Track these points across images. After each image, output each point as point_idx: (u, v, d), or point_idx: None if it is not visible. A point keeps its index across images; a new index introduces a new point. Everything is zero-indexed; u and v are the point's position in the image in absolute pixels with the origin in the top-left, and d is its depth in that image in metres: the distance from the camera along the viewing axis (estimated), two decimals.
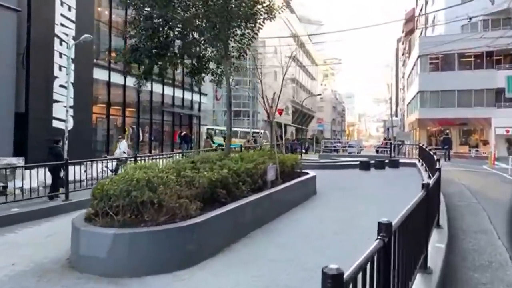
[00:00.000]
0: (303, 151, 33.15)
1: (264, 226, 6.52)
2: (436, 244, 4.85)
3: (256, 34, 7.99)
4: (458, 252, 5.70)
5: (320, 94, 64.49)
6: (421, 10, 55.16)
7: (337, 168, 17.03)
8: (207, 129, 39.33)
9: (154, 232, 4.43)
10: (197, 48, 8.20)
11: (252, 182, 6.94)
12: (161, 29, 7.30)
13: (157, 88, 20.00)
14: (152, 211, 4.75)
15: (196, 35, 8.04)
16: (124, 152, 11.98)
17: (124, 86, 17.65)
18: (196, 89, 24.00)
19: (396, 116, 73.65)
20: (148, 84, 19.21)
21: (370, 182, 12.83)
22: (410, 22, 64.09)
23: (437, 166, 6.01)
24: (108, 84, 16.67)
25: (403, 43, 72.00)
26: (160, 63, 7.94)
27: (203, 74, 8.55)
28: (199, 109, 24.63)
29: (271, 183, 7.64)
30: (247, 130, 38.15)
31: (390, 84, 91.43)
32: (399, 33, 77.15)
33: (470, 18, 19.89)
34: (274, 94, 9.62)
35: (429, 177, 9.34)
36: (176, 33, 7.65)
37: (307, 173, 10.22)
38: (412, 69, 40.04)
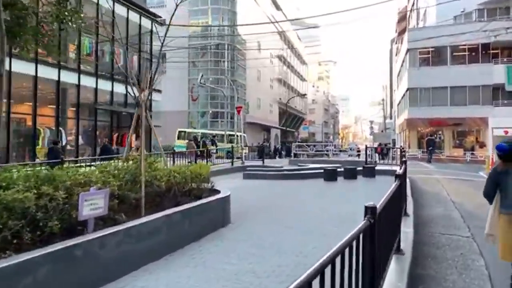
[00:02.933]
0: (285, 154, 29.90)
1: None
2: None
3: None
4: None
5: (305, 95, 61.04)
6: (413, 5, 52.34)
7: (298, 178, 13.68)
8: (179, 131, 35.97)
9: None
10: None
11: (29, 226, 3.54)
12: None
13: (87, 81, 16.63)
14: None
15: None
16: None
17: (35, 78, 14.27)
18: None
19: (391, 118, 70.68)
20: (70, 76, 15.93)
21: (324, 201, 9.40)
22: (403, 22, 61.25)
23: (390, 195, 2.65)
24: (9, 74, 13.23)
25: (396, 43, 69.29)
26: None
27: (27, 36, 5.18)
28: (150, 108, 21.13)
29: (101, 221, 4.27)
30: (223, 132, 34.83)
31: (384, 86, 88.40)
32: (394, 34, 74.52)
33: None
34: (146, 68, 6.30)
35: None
36: None
37: (218, 192, 6.86)
38: (402, 65, 36.83)
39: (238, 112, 19.63)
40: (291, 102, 66.89)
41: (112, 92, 18.22)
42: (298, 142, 42.93)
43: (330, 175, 12.89)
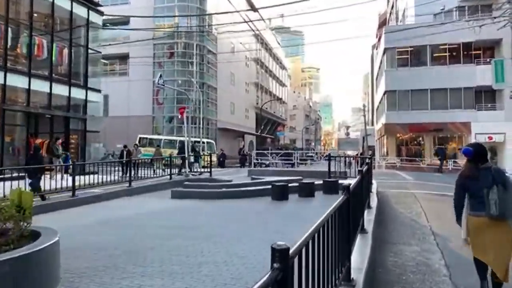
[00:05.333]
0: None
1: None
2: None
3: None
4: None
5: (281, 99, 58.43)
6: (392, 7, 50.89)
7: (241, 197, 10.78)
8: (140, 137, 32.80)
9: None
10: None
11: None
12: None
13: None
14: None
15: None
16: None
17: None
18: (77, 82, 17.51)
19: (372, 124, 68.91)
20: None
21: (244, 245, 6.40)
22: (384, 26, 59.75)
23: None
24: None
25: (377, 48, 67.79)
26: None
27: None
28: (85, 111, 17.98)
29: None
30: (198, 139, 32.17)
31: (366, 92, 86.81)
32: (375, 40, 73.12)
33: None
34: None
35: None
36: None
37: (35, 239, 3.91)
38: (379, 67, 34.61)
39: (181, 113, 16.64)
40: (271, 107, 64.26)
41: (28, 91, 15.04)
42: (278, 148, 40.10)
43: (279, 193, 10.05)
